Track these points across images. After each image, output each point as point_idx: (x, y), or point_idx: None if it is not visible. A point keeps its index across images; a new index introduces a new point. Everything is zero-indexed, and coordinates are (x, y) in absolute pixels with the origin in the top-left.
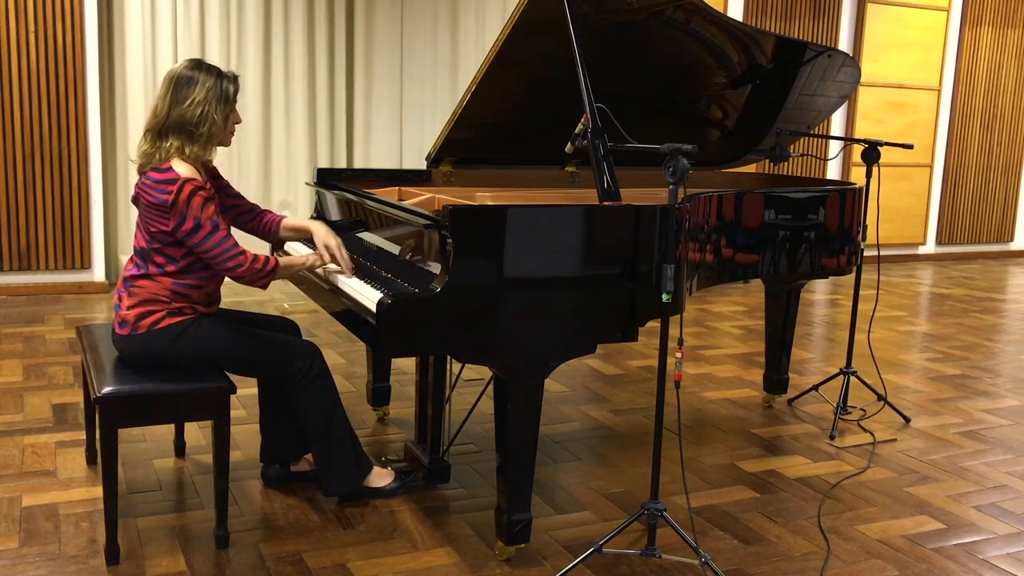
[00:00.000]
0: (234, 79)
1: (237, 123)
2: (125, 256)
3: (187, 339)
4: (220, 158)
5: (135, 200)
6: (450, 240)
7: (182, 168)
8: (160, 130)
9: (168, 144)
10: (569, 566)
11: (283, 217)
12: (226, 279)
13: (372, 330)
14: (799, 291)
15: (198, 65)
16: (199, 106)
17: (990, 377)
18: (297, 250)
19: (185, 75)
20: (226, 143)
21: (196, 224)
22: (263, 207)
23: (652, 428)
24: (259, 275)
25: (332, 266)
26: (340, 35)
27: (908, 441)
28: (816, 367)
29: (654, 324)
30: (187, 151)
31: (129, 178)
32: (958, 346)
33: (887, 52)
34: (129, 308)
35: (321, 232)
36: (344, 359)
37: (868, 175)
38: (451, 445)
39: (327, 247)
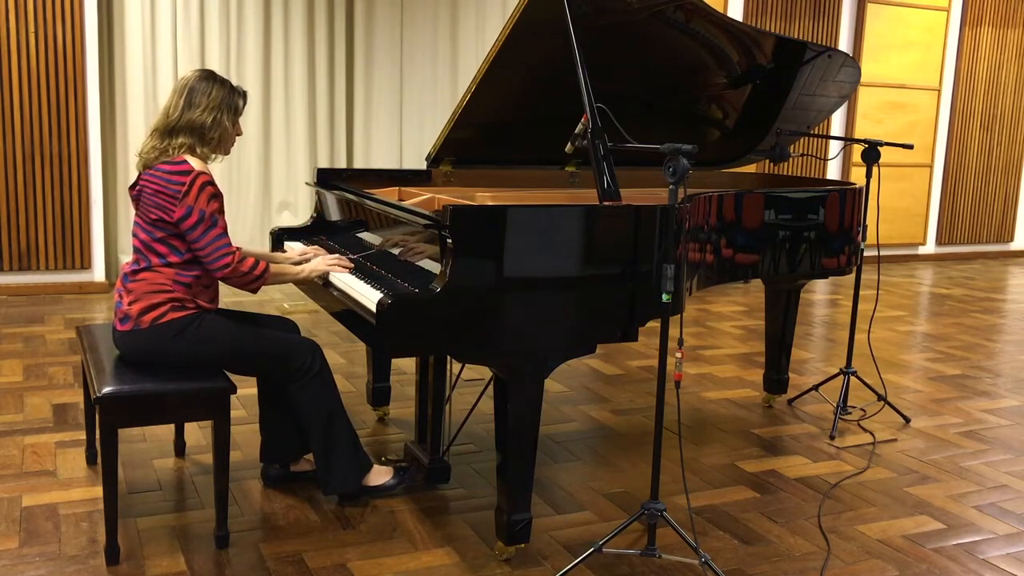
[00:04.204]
0: (243, 94)
1: (238, 135)
2: (125, 256)
3: (188, 336)
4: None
5: (137, 195)
6: (450, 240)
7: (195, 162)
8: (170, 130)
9: (178, 142)
10: (569, 566)
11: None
12: None
13: (372, 330)
14: (799, 291)
15: (211, 76)
16: (211, 112)
17: (990, 377)
18: (295, 248)
19: (199, 83)
20: (226, 152)
21: (200, 217)
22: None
23: (652, 428)
24: (245, 278)
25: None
26: (340, 35)
27: (908, 441)
28: (816, 367)
29: (654, 324)
30: (197, 150)
31: (129, 178)
32: (958, 346)
33: (887, 52)
34: (131, 303)
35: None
36: (344, 359)
37: (868, 175)
38: (451, 445)
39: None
